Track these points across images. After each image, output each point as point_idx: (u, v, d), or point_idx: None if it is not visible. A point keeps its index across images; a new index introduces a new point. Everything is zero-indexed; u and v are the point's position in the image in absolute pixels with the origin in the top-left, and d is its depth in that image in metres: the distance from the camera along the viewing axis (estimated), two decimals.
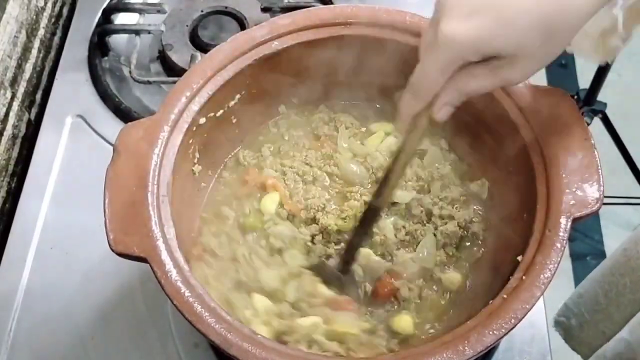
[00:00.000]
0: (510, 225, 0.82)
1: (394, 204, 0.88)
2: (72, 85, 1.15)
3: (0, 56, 1.04)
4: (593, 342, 1.28)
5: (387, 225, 0.86)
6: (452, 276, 0.84)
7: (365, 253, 0.84)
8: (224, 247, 0.85)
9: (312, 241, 0.86)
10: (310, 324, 0.77)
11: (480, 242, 0.87)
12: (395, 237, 0.85)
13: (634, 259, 1.18)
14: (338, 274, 0.82)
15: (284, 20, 0.89)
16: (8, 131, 1.07)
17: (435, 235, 0.86)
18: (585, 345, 1.32)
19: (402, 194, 0.88)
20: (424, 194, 0.89)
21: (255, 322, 0.77)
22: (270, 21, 0.90)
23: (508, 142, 0.85)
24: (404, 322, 0.81)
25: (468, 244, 0.87)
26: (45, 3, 1.20)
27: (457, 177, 0.91)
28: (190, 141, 0.85)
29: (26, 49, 1.13)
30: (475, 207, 0.89)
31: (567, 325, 1.35)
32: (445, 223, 0.87)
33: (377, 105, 0.98)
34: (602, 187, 0.76)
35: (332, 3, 1.21)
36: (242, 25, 1.19)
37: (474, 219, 0.88)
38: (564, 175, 0.77)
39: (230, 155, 0.95)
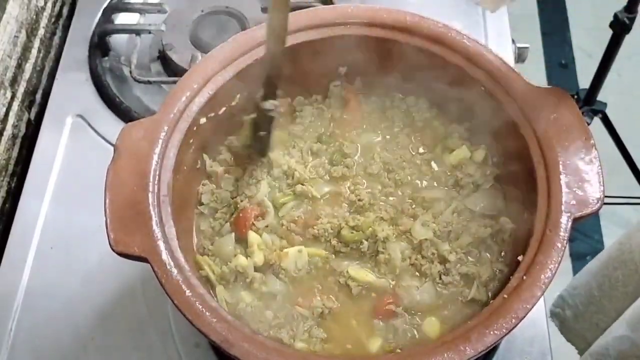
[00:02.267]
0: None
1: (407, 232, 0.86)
2: (72, 85, 1.15)
3: (0, 56, 1.04)
4: (587, 334, 1.28)
5: (395, 248, 0.84)
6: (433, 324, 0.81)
7: (361, 274, 0.83)
8: None
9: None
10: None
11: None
12: (400, 262, 0.84)
13: (627, 252, 1.18)
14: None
15: None
16: (8, 131, 1.07)
17: (440, 277, 0.83)
18: (580, 337, 1.32)
19: (419, 230, 0.85)
20: (443, 240, 0.86)
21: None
22: None
23: (509, 142, 0.85)
24: (432, 325, 0.80)
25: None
26: (45, 3, 1.20)
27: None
28: (191, 141, 0.85)
29: (26, 49, 1.13)
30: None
31: (562, 317, 1.35)
32: (459, 282, 0.83)
33: (377, 103, 0.98)
34: (602, 187, 0.76)
35: (332, 3, 1.21)
36: (243, 25, 1.19)
37: (490, 283, 0.83)
38: (564, 175, 0.77)
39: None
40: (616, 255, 1.21)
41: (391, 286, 0.83)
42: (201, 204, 0.89)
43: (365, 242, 0.84)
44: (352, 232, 0.85)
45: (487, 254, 0.85)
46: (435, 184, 0.91)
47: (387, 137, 0.95)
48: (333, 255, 0.85)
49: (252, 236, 0.85)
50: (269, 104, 0.85)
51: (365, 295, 0.83)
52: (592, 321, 1.27)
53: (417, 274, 0.84)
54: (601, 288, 1.24)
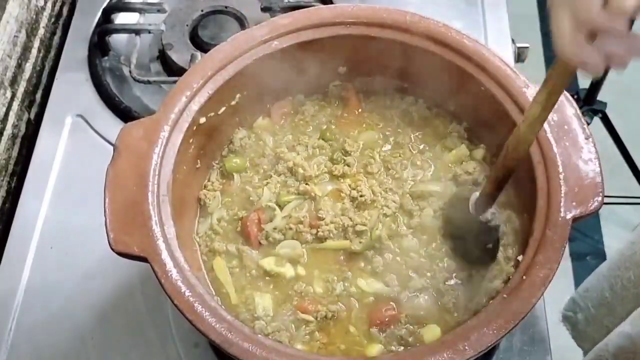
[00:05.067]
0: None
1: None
2: (72, 85, 1.15)
3: (0, 56, 1.04)
4: (597, 337, 1.27)
5: (397, 250, 0.85)
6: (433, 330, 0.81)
7: (363, 284, 0.83)
8: None
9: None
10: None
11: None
12: (403, 265, 0.84)
13: (639, 252, 1.17)
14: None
15: (284, 20, 0.89)
16: (8, 131, 1.07)
17: (444, 282, 0.83)
18: (590, 340, 1.31)
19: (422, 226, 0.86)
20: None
21: None
22: (270, 21, 0.90)
23: None
24: (433, 331, 0.80)
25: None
26: (45, 3, 1.20)
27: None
28: (191, 140, 0.85)
29: (26, 49, 1.13)
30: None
31: (574, 320, 1.34)
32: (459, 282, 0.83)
33: (377, 103, 0.98)
34: (602, 187, 0.76)
35: (332, 3, 1.21)
36: (242, 25, 1.19)
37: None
38: (564, 175, 0.77)
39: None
40: (628, 255, 1.19)
41: (395, 294, 0.83)
42: (204, 204, 0.89)
43: (371, 252, 0.84)
44: (361, 243, 0.85)
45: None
46: (435, 182, 0.91)
47: (387, 136, 0.95)
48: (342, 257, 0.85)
49: (267, 262, 0.85)
50: (490, 214, 0.79)
51: (369, 304, 0.83)
52: (602, 324, 1.26)
53: (419, 276, 0.84)
54: (613, 289, 1.23)
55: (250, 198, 0.89)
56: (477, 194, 0.78)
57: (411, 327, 0.81)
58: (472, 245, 0.83)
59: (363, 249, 0.85)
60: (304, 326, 0.81)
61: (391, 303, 0.82)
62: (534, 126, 0.69)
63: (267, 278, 0.84)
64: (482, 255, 0.83)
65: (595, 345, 1.25)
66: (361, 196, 0.88)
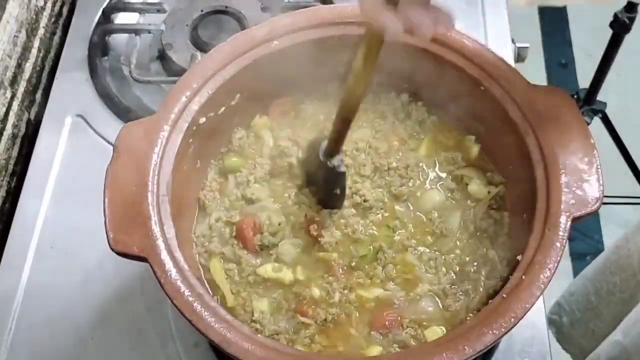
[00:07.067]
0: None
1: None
2: (72, 85, 1.15)
3: (0, 56, 1.04)
4: (582, 341, 1.27)
5: (398, 258, 0.85)
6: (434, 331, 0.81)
7: (364, 291, 0.83)
8: None
9: None
10: None
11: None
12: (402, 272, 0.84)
13: (624, 257, 1.16)
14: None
15: (284, 20, 0.89)
16: (8, 131, 1.07)
17: (446, 290, 0.83)
18: (576, 344, 1.31)
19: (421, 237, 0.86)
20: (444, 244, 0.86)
21: None
22: (270, 21, 0.90)
23: (508, 142, 0.85)
24: (436, 333, 0.80)
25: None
26: (45, 2, 1.20)
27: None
28: (190, 140, 0.85)
29: (26, 49, 1.13)
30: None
31: (559, 324, 1.34)
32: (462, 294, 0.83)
33: (373, 102, 0.98)
34: (602, 187, 0.76)
35: (332, 3, 1.21)
36: (242, 25, 1.19)
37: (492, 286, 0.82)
38: (563, 175, 0.77)
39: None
40: (614, 259, 1.19)
41: (397, 298, 0.83)
42: (203, 205, 0.89)
43: (374, 263, 0.84)
44: (358, 252, 0.85)
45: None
46: (435, 185, 0.91)
47: (383, 135, 0.95)
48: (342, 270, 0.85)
49: (263, 267, 0.85)
50: (337, 161, 0.82)
51: (370, 308, 0.83)
52: (588, 327, 1.26)
53: (421, 282, 0.84)
54: (598, 294, 1.23)
55: (248, 200, 0.89)
56: (326, 142, 0.82)
57: (413, 330, 0.80)
58: (323, 190, 0.87)
59: (361, 263, 0.84)
60: (303, 330, 0.80)
61: (393, 307, 0.82)
62: (359, 80, 0.72)
63: (264, 282, 0.84)
64: (332, 200, 0.87)
65: (580, 349, 1.25)
66: (365, 201, 0.87)
